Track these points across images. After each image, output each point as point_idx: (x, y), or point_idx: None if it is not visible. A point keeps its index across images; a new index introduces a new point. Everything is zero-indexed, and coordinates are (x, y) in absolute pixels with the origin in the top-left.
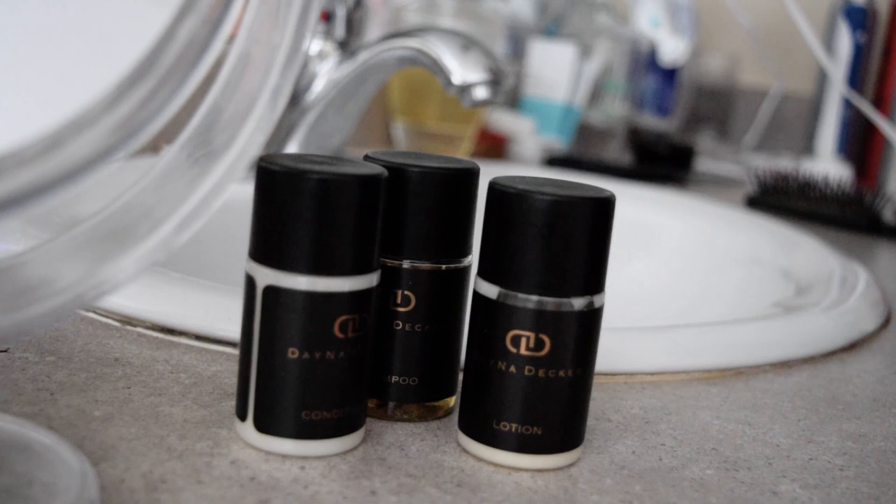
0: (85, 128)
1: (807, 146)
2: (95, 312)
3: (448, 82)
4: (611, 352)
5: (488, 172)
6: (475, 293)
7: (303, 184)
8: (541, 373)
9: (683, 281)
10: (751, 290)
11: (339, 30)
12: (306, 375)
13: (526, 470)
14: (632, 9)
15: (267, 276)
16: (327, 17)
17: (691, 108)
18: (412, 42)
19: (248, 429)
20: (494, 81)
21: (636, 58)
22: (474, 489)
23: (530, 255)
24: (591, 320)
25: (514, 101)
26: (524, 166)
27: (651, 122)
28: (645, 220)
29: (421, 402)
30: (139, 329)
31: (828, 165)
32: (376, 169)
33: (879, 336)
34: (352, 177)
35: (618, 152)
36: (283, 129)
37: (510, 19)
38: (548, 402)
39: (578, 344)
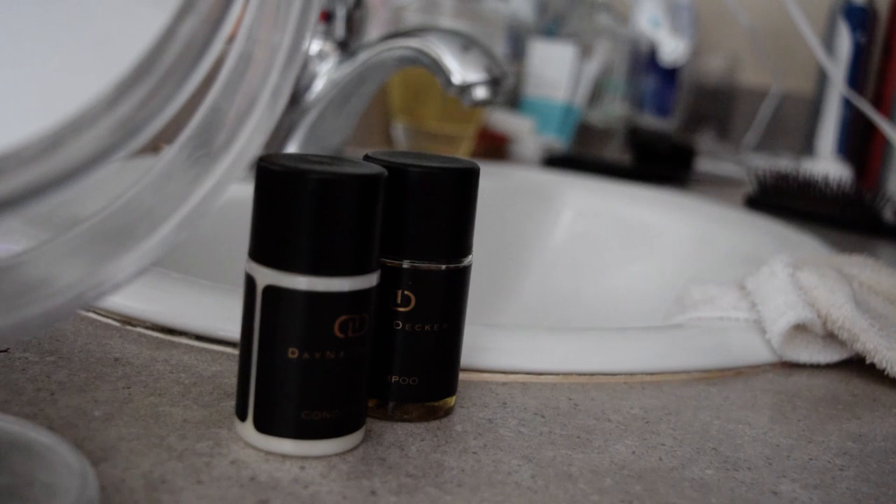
0: (85, 128)
1: (807, 146)
2: (95, 312)
3: (448, 82)
4: (611, 352)
5: (488, 172)
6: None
7: (303, 184)
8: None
9: (683, 281)
10: None
11: (339, 30)
12: (306, 375)
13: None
14: (632, 9)
15: (267, 276)
16: (327, 17)
17: (691, 108)
18: (412, 42)
19: (248, 429)
20: (494, 81)
21: (636, 58)
22: (474, 489)
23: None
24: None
25: (514, 101)
26: (524, 166)
27: (651, 122)
28: (645, 220)
29: (421, 402)
30: (139, 329)
31: (828, 165)
32: (376, 169)
33: None
34: (352, 177)
35: (618, 152)
36: (283, 129)
37: (510, 19)
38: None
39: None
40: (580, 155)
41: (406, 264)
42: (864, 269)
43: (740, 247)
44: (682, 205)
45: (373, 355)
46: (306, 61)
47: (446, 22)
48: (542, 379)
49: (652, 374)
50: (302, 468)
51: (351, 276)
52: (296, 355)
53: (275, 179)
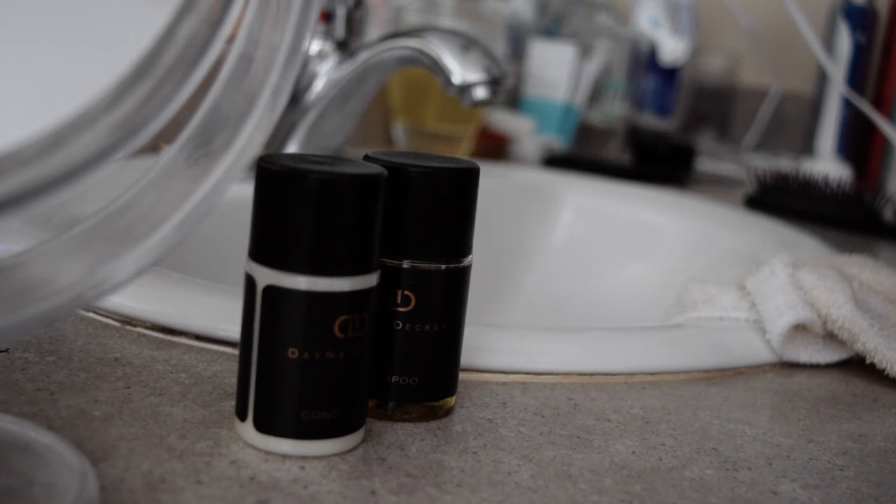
0: (85, 128)
1: (807, 146)
2: (95, 312)
3: (448, 82)
4: (611, 352)
5: (488, 172)
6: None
7: (303, 184)
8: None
9: (683, 281)
10: None
11: (339, 30)
12: (306, 375)
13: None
14: (632, 9)
15: (267, 276)
16: (327, 17)
17: (691, 108)
18: (412, 42)
19: (247, 429)
20: (494, 81)
21: (636, 58)
22: (474, 489)
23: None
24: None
25: (514, 101)
26: (524, 166)
27: (651, 122)
28: (645, 220)
29: (421, 402)
30: (139, 329)
31: (828, 165)
32: (376, 169)
33: None
34: (352, 177)
35: (618, 152)
36: (283, 129)
37: (510, 19)
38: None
39: None
40: (580, 155)
41: (406, 264)
42: (864, 269)
43: (740, 247)
44: (682, 205)
45: (373, 355)
46: (306, 61)
47: (446, 22)
48: (542, 379)
49: (652, 374)
50: (302, 468)
51: (351, 276)
52: (296, 355)
53: (275, 179)
